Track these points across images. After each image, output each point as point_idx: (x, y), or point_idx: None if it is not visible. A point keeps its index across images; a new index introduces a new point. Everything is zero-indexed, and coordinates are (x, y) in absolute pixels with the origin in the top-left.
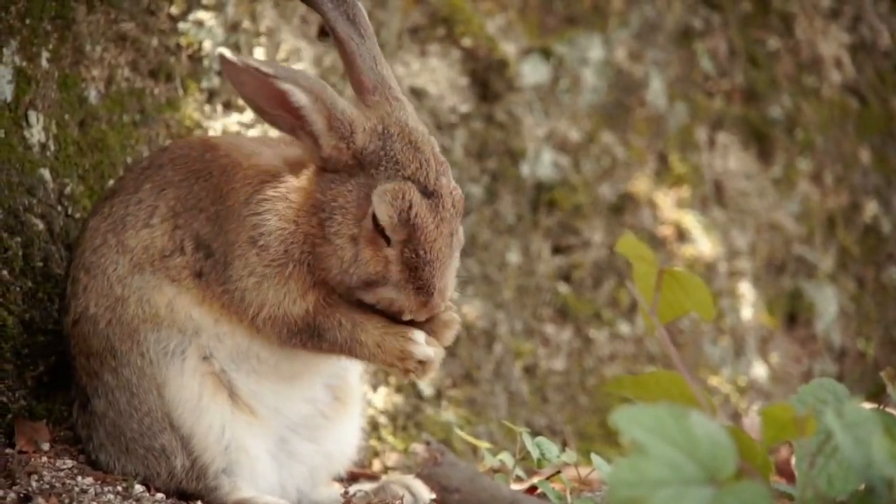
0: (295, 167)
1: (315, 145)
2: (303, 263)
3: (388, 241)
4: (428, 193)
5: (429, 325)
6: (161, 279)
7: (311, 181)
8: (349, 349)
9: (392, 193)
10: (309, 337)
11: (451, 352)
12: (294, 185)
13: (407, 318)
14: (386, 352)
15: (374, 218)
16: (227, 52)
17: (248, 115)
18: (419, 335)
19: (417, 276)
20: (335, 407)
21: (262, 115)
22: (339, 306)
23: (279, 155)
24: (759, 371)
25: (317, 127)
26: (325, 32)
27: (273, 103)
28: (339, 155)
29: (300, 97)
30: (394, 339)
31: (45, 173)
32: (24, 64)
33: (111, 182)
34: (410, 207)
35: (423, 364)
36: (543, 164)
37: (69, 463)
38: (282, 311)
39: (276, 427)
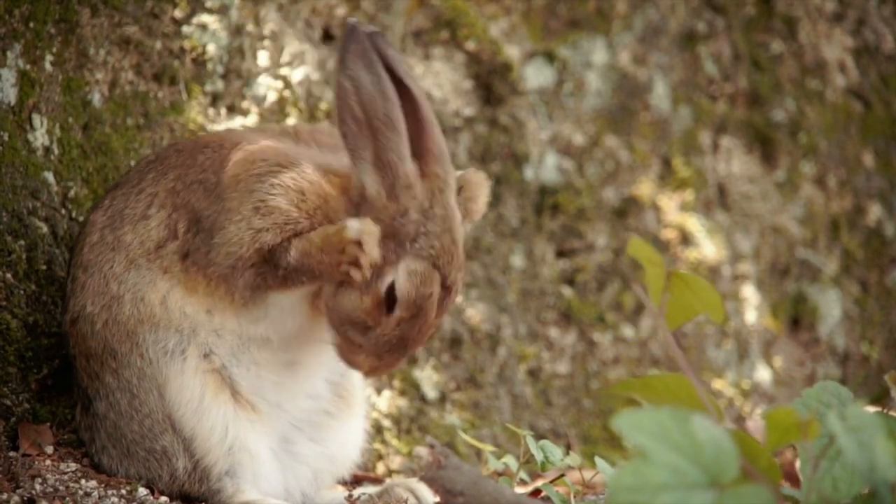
0: (330, 176)
1: (364, 183)
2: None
3: (389, 309)
4: (445, 287)
5: None
6: (155, 272)
7: (339, 199)
8: (302, 267)
9: (421, 277)
10: (267, 269)
11: (455, 355)
12: (314, 189)
13: (356, 362)
14: (329, 249)
15: (392, 287)
16: (356, 21)
17: (252, 118)
18: (351, 221)
19: (397, 346)
20: (338, 404)
21: (342, 123)
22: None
23: (308, 155)
24: (763, 374)
25: (378, 158)
26: (330, 36)
27: (366, 109)
28: (378, 205)
29: (380, 106)
30: (333, 235)
31: (49, 176)
32: (28, 67)
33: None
34: (430, 297)
35: (359, 245)
36: (547, 168)
37: (73, 466)
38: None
39: (278, 424)
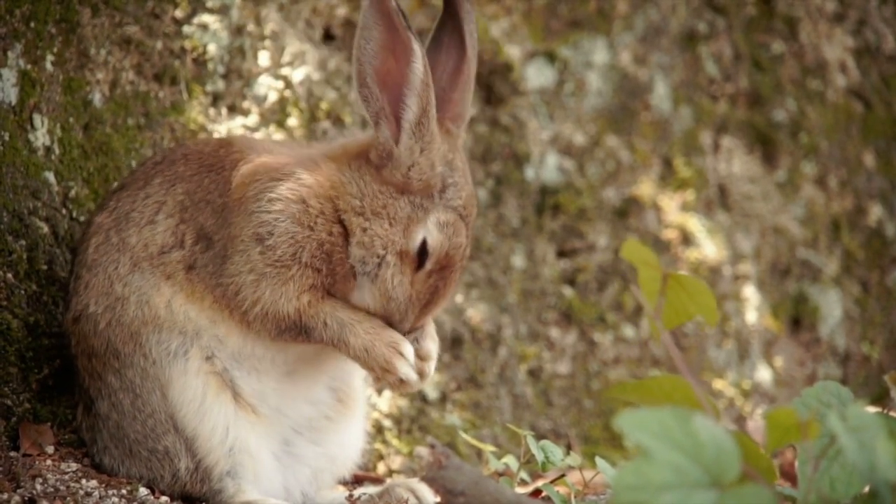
0: (340, 160)
1: (392, 140)
2: (309, 267)
3: (419, 265)
4: (467, 235)
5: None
6: (158, 277)
7: (342, 181)
8: (336, 347)
9: (454, 227)
10: (298, 333)
11: (455, 355)
12: (313, 192)
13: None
14: (372, 358)
15: (424, 243)
16: None
17: (253, 118)
18: (409, 350)
19: (430, 302)
20: (338, 409)
21: (362, 86)
22: (325, 306)
23: (306, 154)
24: (764, 375)
25: (408, 116)
26: (331, 36)
27: (383, 69)
28: (406, 161)
29: (419, 66)
30: (384, 348)
31: (50, 176)
32: (29, 67)
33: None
34: (459, 247)
35: (402, 384)
36: (548, 168)
37: (74, 466)
38: (275, 308)
39: (279, 428)
